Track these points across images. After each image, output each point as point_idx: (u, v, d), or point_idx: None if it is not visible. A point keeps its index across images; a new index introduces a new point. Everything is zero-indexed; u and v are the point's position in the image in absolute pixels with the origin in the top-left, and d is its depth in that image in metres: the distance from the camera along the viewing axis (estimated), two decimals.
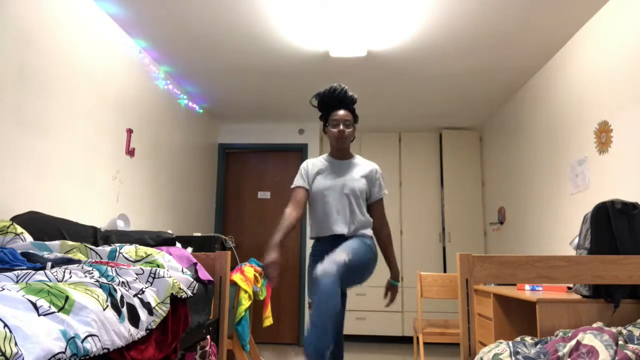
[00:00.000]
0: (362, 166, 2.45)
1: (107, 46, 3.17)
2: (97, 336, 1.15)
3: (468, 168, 5.57)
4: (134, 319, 1.39)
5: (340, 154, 2.47)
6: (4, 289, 1.04)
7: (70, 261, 1.64)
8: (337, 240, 2.33)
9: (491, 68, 3.98)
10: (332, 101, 2.39)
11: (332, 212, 2.33)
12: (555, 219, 3.62)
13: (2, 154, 2.25)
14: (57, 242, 1.86)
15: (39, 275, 1.30)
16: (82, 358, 1.08)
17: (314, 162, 2.49)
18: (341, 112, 2.37)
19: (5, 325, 0.91)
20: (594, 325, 1.74)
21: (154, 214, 3.89)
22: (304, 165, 2.50)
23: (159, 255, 1.93)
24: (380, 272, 5.44)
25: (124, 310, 1.35)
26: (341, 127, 2.35)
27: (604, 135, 2.95)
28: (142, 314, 1.44)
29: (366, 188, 2.39)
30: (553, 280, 1.89)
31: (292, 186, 2.46)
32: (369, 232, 2.40)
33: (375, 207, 2.45)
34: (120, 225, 2.85)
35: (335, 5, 3.05)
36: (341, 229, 2.33)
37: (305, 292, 5.30)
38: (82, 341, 1.09)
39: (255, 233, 5.57)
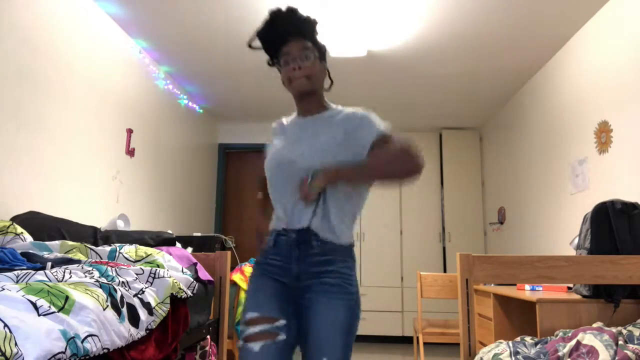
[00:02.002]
0: (337, 117, 1.54)
1: (107, 46, 3.17)
2: (97, 336, 1.15)
3: (468, 168, 5.56)
4: (134, 319, 1.39)
5: (306, 107, 1.58)
6: (4, 289, 1.04)
7: (70, 261, 1.64)
8: (292, 248, 1.43)
9: (491, 68, 3.98)
10: (277, 32, 1.53)
11: (278, 200, 1.51)
12: (555, 219, 3.62)
13: (2, 154, 2.25)
14: (57, 242, 1.86)
15: (39, 275, 1.30)
16: (82, 358, 1.09)
17: (280, 123, 1.67)
18: (293, 42, 1.52)
19: (5, 325, 0.91)
20: (594, 325, 1.74)
21: (154, 214, 3.89)
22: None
23: (159, 255, 1.93)
24: (380, 272, 5.45)
25: (124, 310, 1.35)
26: (298, 62, 1.50)
27: (604, 135, 2.95)
28: (142, 314, 1.44)
29: (343, 146, 1.45)
30: (553, 280, 1.89)
31: None
32: (342, 246, 1.44)
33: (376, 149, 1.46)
34: (120, 225, 2.85)
35: (335, 5, 3.05)
36: (296, 223, 1.44)
37: None
38: (82, 341, 1.09)
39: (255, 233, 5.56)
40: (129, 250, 1.91)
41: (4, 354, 0.85)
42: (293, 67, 1.51)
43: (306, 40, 1.54)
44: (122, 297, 1.37)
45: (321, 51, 1.58)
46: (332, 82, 1.64)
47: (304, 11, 1.49)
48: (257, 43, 1.55)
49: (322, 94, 1.61)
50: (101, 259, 1.84)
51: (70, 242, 1.87)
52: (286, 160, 1.47)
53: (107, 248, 1.89)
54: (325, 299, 1.36)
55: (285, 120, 1.65)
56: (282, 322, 1.36)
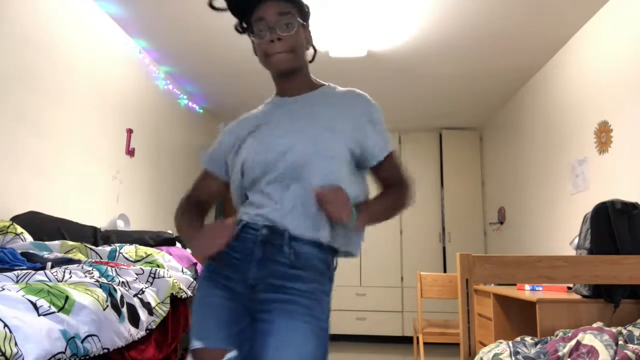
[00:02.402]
0: (335, 99, 1.25)
1: (107, 46, 3.17)
2: (97, 336, 1.15)
3: (468, 168, 5.56)
4: (134, 319, 1.39)
5: (289, 86, 1.31)
6: (4, 289, 1.04)
7: (70, 261, 1.64)
8: (256, 246, 1.12)
9: (491, 68, 3.98)
10: None
11: (265, 199, 1.18)
12: (555, 219, 3.62)
13: (2, 154, 2.25)
14: (57, 242, 1.86)
15: (39, 275, 1.30)
16: (82, 358, 1.09)
17: (248, 117, 1.41)
18: (268, 4, 1.17)
19: (5, 325, 0.91)
20: (594, 325, 1.74)
21: (154, 214, 3.89)
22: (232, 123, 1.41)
23: (159, 255, 1.93)
24: (380, 272, 5.45)
25: (124, 310, 1.35)
26: (276, 31, 1.17)
27: (604, 135, 2.95)
28: (142, 314, 1.44)
29: (348, 143, 1.17)
30: (553, 280, 1.88)
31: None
32: (321, 264, 1.13)
33: (382, 173, 1.25)
34: (120, 225, 2.85)
35: (335, 5, 3.05)
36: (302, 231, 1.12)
37: None
38: (82, 341, 1.09)
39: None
40: (129, 250, 1.91)
41: (4, 354, 0.85)
42: (271, 39, 1.17)
43: (284, 1, 1.18)
44: (122, 297, 1.37)
45: (304, 13, 1.23)
46: (315, 50, 1.31)
47: None
48: (223, 3, 1.20)
49: (308, 70, 1.29)
50: (101, 259, 1.84)
51: (70, 242, 1.87)
52: (276, 152, 1.17)
53: (107, 248, 1.89)
54: (289, 322, 1.03)
55: (261, 106, 1.38)
56: (231, 354, 1.07)
